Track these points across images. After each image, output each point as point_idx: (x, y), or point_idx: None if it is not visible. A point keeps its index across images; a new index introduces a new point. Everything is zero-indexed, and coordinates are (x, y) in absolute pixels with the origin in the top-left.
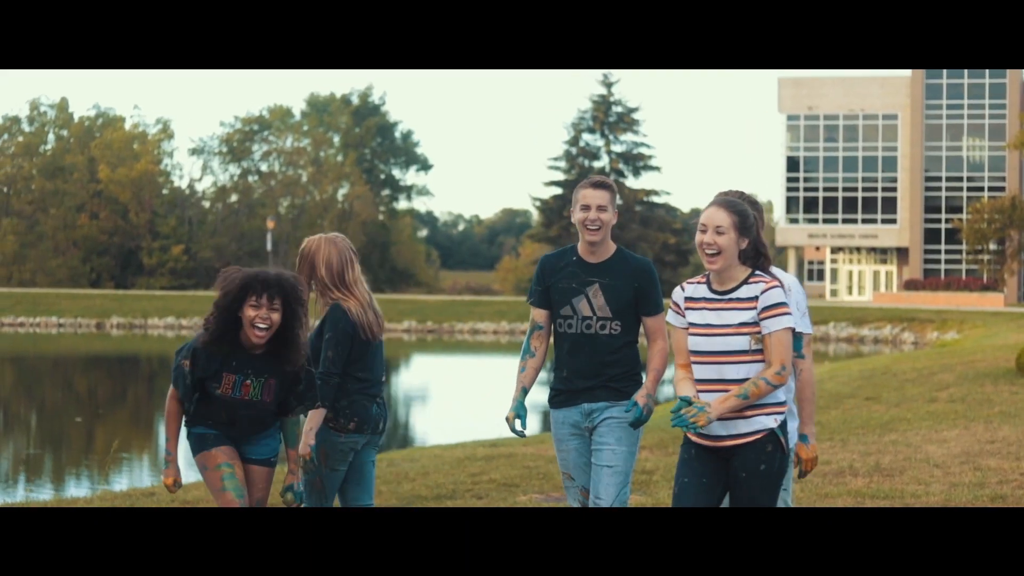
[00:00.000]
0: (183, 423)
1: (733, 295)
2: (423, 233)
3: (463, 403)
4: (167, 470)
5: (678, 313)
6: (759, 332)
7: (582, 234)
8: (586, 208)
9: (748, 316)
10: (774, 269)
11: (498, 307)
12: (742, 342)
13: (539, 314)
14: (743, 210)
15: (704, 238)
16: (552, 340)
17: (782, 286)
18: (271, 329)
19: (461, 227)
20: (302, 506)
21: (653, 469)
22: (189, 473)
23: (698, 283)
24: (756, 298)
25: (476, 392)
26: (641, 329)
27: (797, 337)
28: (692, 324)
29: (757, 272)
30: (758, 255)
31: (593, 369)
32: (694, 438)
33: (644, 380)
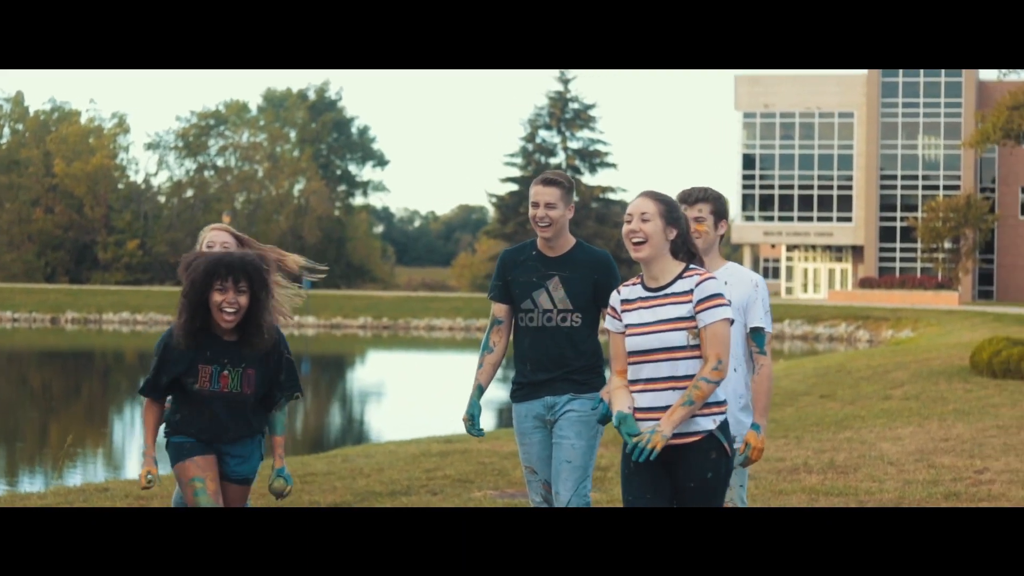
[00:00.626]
0: (163, 433)
1: (668, 290)
2: (379, 229)
3: (418, 399)
4: (143, 465)
5: (615, 317)
6: (696, 327)
7: (535, 230)
8: (535, 205)
9: (684, 311)
10: (735, 265)
11: (454, 303)
12: (679, 338)
13: (499, 309)
14: (669, 200)
15: (630, 226)
16: (513, 336)
17: (716, 278)
18: (239, 312)
19: (417, 223)
20: (290, 490)
21: (608, 466)
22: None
23: (633, 284)
24: (691, 291)
25: (432, 388)
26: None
27: (760, 333)
28: (628, 325)
29: (692, 267)
30: (691, 255)
31: (555, 362)
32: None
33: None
